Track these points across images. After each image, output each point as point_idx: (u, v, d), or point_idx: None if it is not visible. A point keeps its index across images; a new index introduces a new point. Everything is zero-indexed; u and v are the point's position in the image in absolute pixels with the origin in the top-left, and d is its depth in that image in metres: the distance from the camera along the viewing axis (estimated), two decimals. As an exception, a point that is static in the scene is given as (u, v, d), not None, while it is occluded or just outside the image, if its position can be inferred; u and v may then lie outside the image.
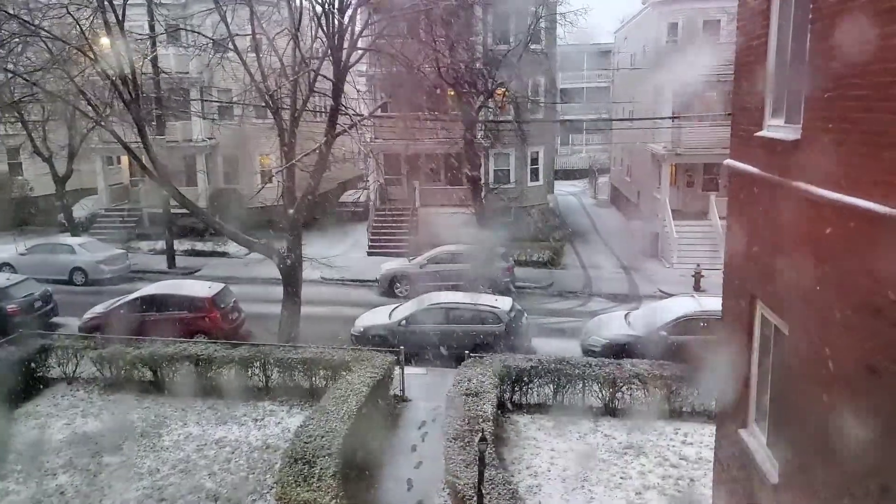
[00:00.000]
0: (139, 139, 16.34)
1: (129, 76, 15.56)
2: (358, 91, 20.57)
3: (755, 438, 7.31)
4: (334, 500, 9.22)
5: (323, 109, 22.30)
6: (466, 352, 15.14)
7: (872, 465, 4.54)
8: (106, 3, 15.13)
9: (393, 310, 18.74)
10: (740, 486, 7.63)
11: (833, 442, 5.22)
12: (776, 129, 6.69)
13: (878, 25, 4.52)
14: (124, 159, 35.08)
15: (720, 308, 8.72)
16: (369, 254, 29.26)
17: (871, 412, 4.65)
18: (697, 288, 23.12)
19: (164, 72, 23.26)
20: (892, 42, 4.35)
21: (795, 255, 6.03)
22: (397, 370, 15.04)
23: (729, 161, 8.01)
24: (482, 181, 28.56)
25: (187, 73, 29.49)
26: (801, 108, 5.93)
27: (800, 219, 5.93)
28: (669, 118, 27.84)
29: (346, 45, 16.76)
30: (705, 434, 12.66)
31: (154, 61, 22.21)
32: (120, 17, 15.41)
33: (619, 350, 16.20)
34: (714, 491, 8.90)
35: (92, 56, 15.50)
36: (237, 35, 16.84)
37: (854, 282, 4.88)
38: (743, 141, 7.60)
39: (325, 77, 17.22)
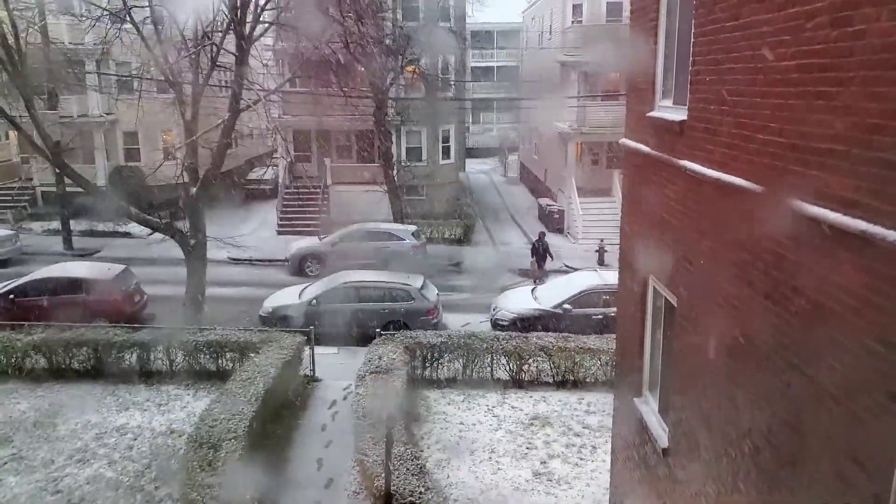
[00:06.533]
0: (27, 113, 15.43)
1: (13, 45, 14.62)
2: (265, 65, 19.99)
3: (648, 406, 7.69)
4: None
5: (227, 84, 21.62)
6: (377, 330, 15.18)
7: (745, 429, 4.87)
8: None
9: (303, 289, 18.54)
10: (635, 452, 8.02)
11: (713, 407, 5.57)
12: (665, 109, 6.97)
13: (748, 14, 4.77)
14: (13, 134, 32.93)
15: (619, 282, 9.06)
16: (279, 233, 28.68)
17: (745, 380, 4.98)
18: (601, 262, 23.90)
19: (54, 41, 21.92)
20: (757, 30, 4.61)
21: (682, 230, 6.34)
22: (307, 350, 14.94)
23: (624, 140, 8.29)
24: (394, 159, 28.47)
25: (82, 44, 27.82)
26: (687, 91, 6.20)
27: (685, 196, 6.23)
28: (574, 97, 28.43)
29: (249, 18, 16.27)
30: (607, 403, 13.18)
31: (44, 30, 20.93)
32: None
33: (527, 323, 16.62)
34: (612, 457, 9.31)
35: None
36: (134, 7, 16.06)
37: (731, 256, 5.18)
38: (636, 121, 7.87)
39: (227, 51, 16.67)
